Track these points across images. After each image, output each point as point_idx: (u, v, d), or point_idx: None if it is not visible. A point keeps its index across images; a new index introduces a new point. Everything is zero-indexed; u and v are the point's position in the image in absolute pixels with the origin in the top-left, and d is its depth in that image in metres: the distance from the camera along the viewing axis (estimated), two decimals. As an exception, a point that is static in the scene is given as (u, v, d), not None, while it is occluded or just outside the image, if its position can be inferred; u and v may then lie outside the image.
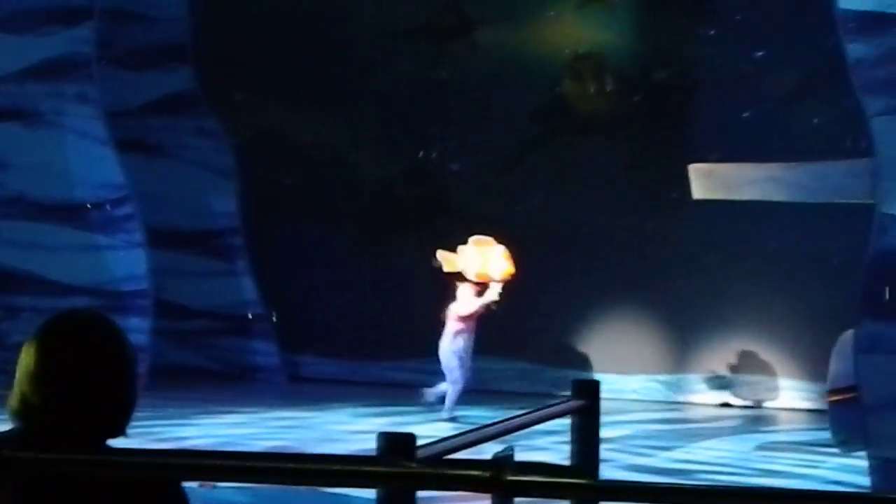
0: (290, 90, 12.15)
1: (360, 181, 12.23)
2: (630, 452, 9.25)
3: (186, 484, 3.09)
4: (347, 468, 2.55)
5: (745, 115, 11.36)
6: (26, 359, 3.16)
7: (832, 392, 8.95)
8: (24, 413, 3.13)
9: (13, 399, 3.12)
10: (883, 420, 8.09)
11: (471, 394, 10.67)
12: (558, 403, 3.88)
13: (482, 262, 10.40)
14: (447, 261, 10.52)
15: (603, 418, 3.90)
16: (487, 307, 10.37)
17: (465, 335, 10.40)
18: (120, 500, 3.05)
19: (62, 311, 3.22)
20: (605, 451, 3.99)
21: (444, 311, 10.43)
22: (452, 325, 10.38)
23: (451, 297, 10.49)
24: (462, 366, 10.37)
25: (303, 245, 12.24)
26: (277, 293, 12.39)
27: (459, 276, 10.47)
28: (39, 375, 3.13)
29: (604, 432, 3.94)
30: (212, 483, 6.93)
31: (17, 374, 3.14)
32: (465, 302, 10.41)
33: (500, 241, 10.63)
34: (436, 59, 12.14)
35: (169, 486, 3.14)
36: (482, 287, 10.36)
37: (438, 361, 10.54)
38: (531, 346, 11.82)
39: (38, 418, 3.13)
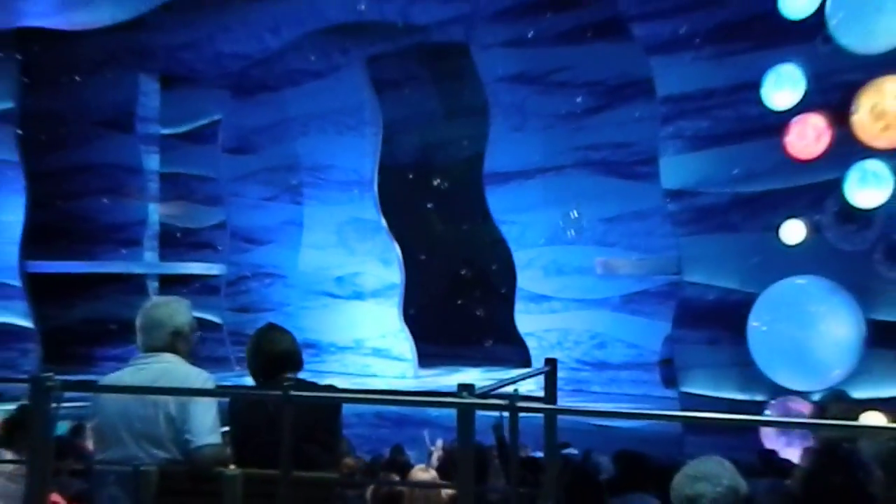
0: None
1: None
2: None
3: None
4: (436, 399, 4.39)
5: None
6: (253, 346, 4.84)
7: (661, 362, 13.48)
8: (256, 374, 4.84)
9: (250, 369, 4.87)
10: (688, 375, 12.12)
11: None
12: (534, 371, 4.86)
13: None
14: None
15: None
16: None
17: None
18: (303, 417, 4.20)
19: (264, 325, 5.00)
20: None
21: None
22: None
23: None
24: None
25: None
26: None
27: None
28: (259, 354, 4.82)
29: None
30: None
31: (248, 357, 4.86)
32: None
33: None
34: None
35: (335, 410, 4.66)
36: None
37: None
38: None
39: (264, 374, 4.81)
